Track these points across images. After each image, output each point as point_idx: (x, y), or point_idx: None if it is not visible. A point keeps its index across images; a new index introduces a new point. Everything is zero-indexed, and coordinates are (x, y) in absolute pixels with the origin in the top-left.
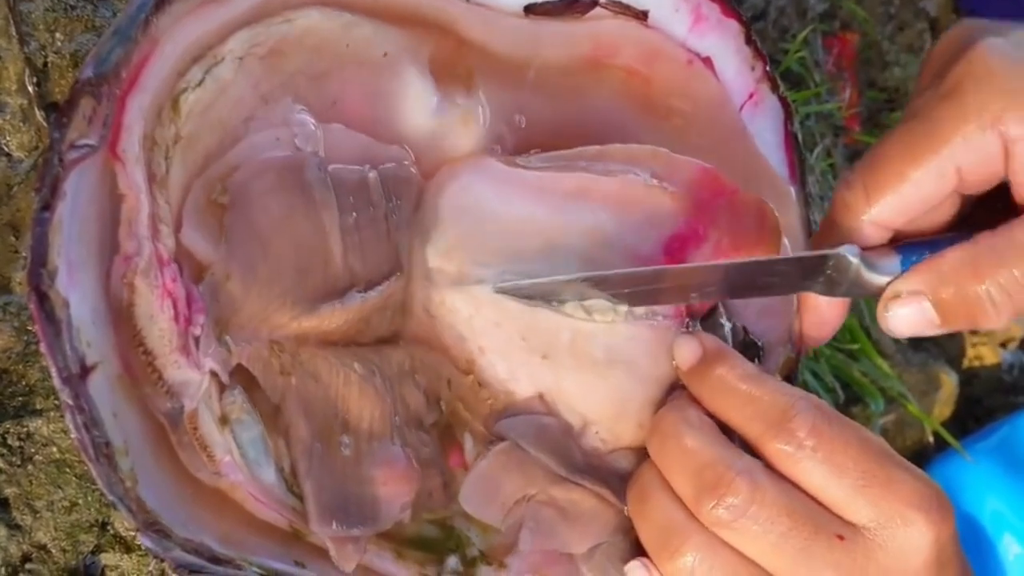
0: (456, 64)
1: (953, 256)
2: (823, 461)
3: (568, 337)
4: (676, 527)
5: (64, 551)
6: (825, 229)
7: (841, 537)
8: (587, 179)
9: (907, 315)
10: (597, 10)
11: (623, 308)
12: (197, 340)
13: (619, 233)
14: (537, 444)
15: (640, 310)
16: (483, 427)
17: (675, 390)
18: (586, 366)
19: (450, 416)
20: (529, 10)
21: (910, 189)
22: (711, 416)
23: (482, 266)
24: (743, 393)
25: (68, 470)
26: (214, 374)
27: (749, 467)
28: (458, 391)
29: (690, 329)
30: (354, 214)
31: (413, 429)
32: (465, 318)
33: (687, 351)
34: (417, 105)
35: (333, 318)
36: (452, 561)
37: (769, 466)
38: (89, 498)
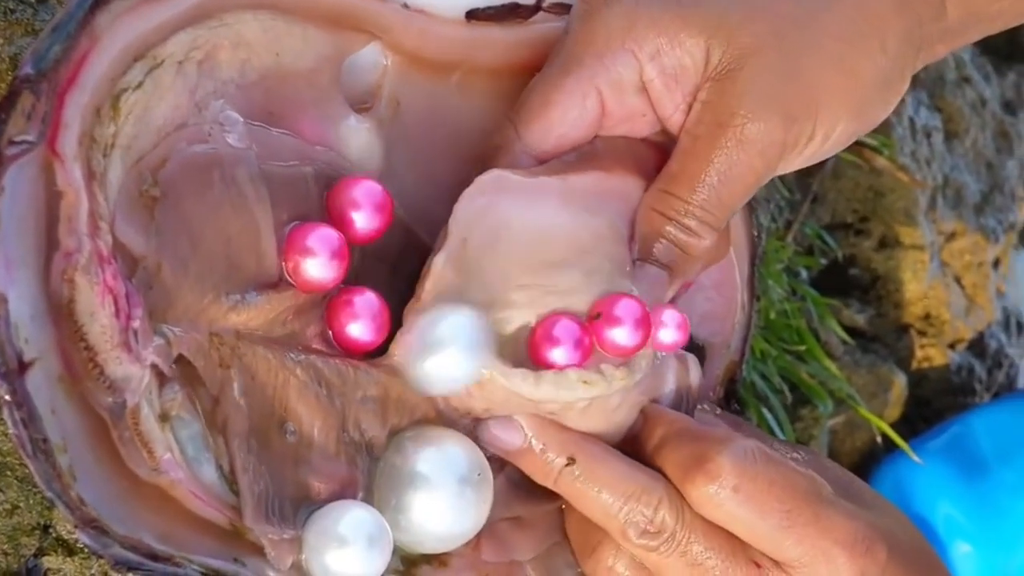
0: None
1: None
2: (745, 502)
3: (584, 404)
4: (595, 528)
5: (6, 554)
6: (478, 167)
7: (758, 565)
8: (599, 177)
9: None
10: (540, 14)
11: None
12: (136, 334)
13: (627, 225)
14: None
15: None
16: None
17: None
18: (599, 416)
19: None
20: (471, 16)
21: (555, 113)
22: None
23: (518, 289)
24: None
25: (9, 473)
26: (156, 368)
27: (669, 492)
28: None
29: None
30: (288, 210)
31: (364, 454)
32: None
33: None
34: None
35: (270, 307)
36: (393, 560)
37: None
38: (31, 501)
